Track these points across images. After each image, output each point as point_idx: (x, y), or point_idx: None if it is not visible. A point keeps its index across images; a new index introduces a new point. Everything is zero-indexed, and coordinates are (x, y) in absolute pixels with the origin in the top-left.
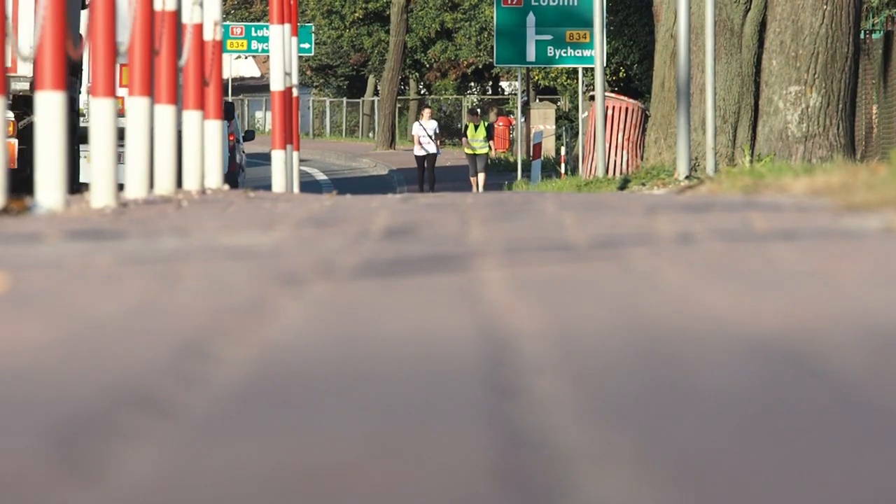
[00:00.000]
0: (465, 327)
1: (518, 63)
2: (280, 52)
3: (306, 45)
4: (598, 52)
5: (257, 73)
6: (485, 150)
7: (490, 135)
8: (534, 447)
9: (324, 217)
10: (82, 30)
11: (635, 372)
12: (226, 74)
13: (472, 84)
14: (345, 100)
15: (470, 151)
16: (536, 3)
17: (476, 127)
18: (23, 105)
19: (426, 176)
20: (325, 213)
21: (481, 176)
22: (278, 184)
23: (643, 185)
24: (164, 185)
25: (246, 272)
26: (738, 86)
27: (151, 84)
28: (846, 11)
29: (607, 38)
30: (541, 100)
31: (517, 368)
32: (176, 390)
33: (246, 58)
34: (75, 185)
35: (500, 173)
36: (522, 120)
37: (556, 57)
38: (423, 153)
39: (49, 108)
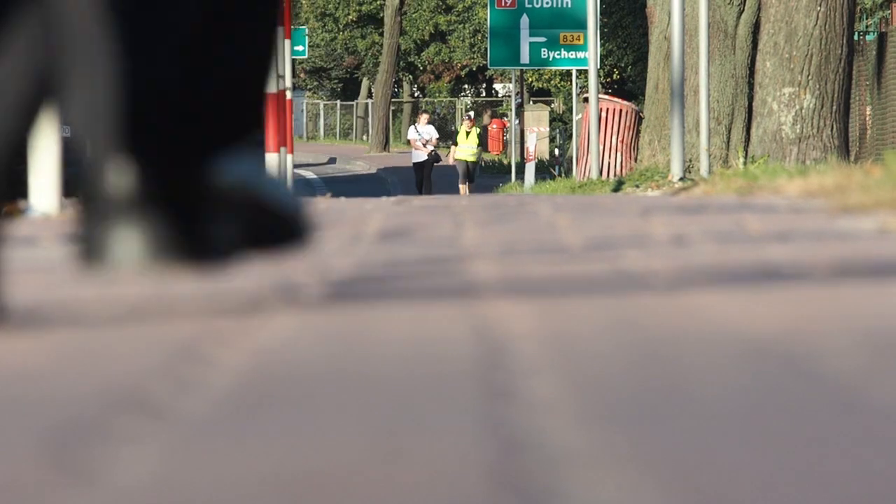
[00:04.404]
0: (460, 329)
1: (512, 65)
2: None
3: (300, 48)
4: (591, 54)
5: None
6: (473, 159)
7: (481, 141)
8: (530, 449)
9: (318, 220)
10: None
11: (630, 374)
12: None
13: (466, 86)
14: (339, 102)
15: (461, 158)
16: (530, 5)
17: (468, 133)
18: None
19: (423, 182)
20: (320, 216)
21: (471, 185)
22: None
23: (637, 186)
24: None
25: (241, 275)
26: (731, 87)
27: None
28: (840, 13)
29: (601, 39)
30: (535, 102)
31: (512, 371)
32: (171, 393)
33: None
34: None
35: (494, 175)
36: (516, 122)
37: (550, 59)
38: (420, 159)
39: None
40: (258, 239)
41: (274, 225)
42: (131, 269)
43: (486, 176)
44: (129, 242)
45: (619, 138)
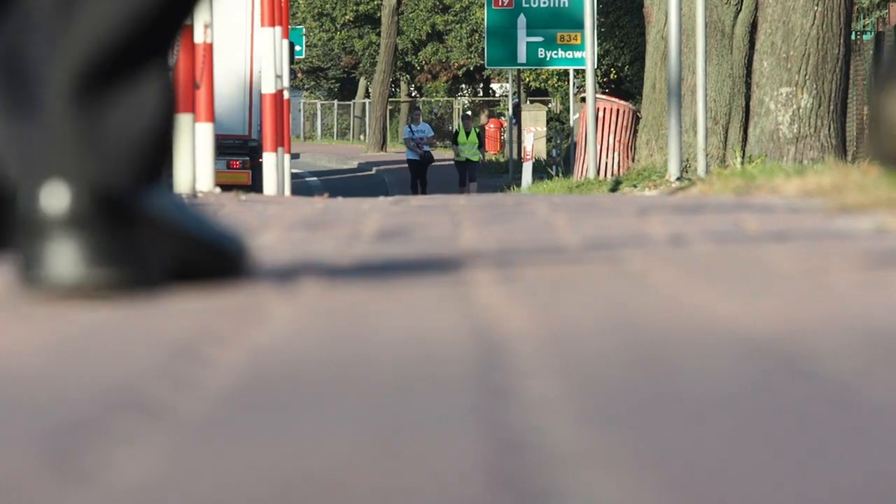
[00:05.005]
0: (458, 329)
1: (509, 65)
2: (271, 55)
3: (297, 48)
4: (588, 54)
5: None
6: (476, 157)
7: (481, 140)
8: (528, 449)
9: (316, 220)
10: None
11: (628, 373)
12: None
13: (464, 86)
14: (336, 102)
15: (460, 158)
16: (527, 5)
17: (467, 132)
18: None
19: (418, 182)
20: (317, 215)
21: (472, 185)
22: (269, 186)
23: (634, 186)
24: None
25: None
26: (729, 87)
27: None
28: (837, 13)
29: (598, 39)
30: (532, 101)
31: (510, 370)
32: (168, 393)
33: None
34: None
35: (491, 175)
36: (514, 122)
37: (547, 58)
38: (415, 158)
39: None
40: (191, 272)
41: (208, 258)
42: (68, 287)
43: (484, 175)
44: (65, 260)
45: (617, 138)
